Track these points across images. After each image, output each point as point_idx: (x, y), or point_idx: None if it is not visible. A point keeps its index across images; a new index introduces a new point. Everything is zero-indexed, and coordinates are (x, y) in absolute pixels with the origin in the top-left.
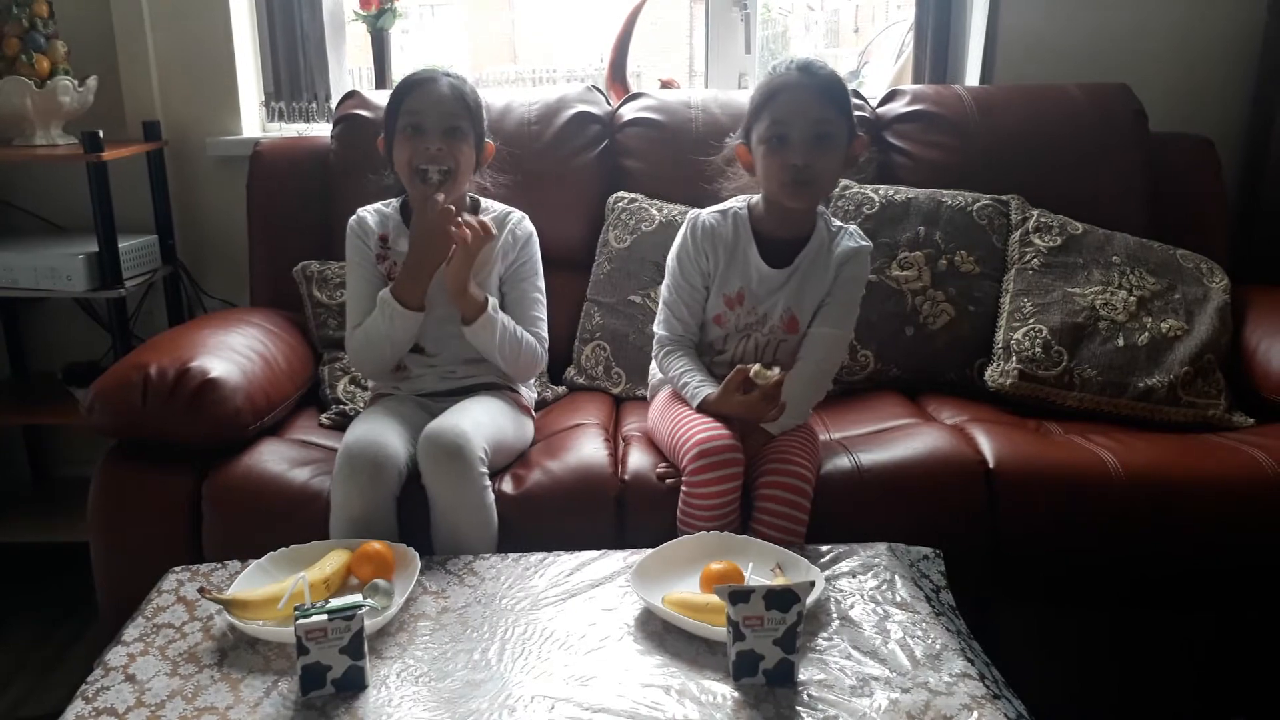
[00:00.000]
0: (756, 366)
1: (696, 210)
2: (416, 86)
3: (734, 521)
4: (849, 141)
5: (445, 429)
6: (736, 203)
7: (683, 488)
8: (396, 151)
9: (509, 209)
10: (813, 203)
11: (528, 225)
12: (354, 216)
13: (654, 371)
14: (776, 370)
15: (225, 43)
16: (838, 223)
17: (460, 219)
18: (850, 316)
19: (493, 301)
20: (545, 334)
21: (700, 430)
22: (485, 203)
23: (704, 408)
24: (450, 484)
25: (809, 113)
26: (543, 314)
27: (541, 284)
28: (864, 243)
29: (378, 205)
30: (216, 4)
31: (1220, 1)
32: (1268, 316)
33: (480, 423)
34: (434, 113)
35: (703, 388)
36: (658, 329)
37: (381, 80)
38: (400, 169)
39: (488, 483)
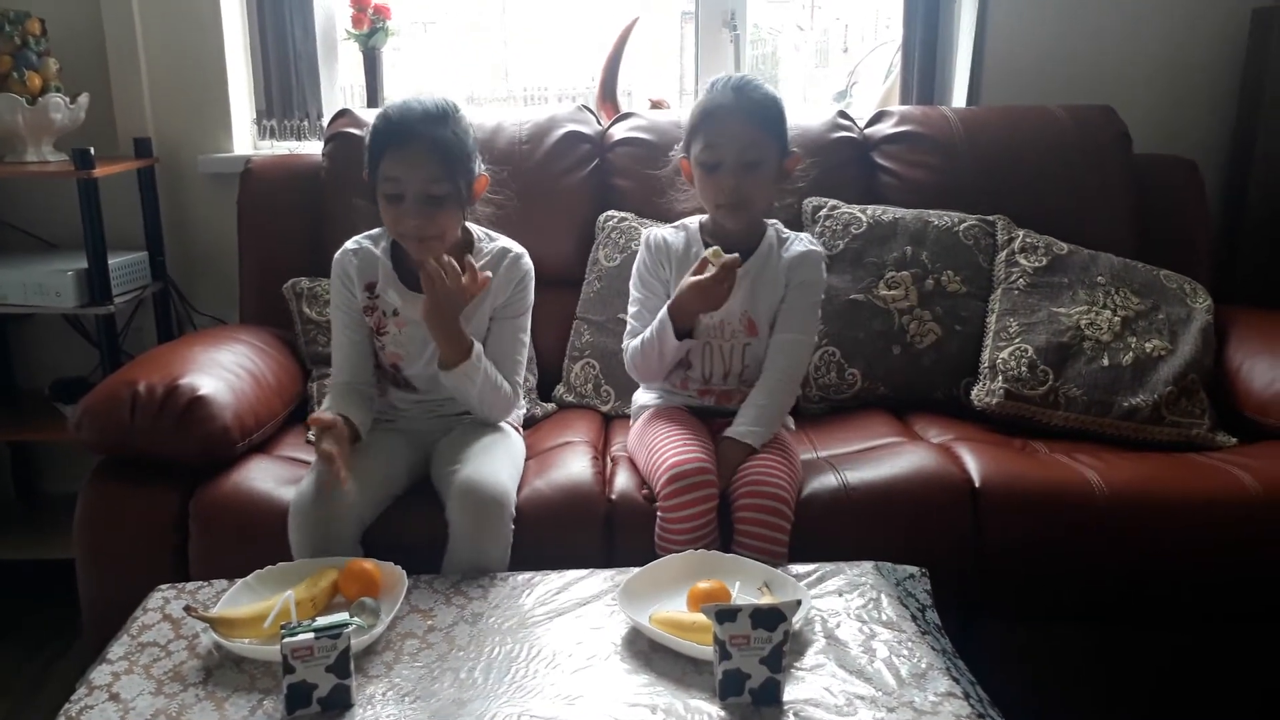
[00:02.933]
0: (714, 248)
1: (652, 228)
2: (396, 147)
3: (712, 543)
4: (782, 159)
5: (485, 482)
6: (691, 219)
7: (658, 512)
8: (381, 208)
9: (507, 246)
10: (748, 221)
11: (525, 264)
12: (340, 252)
13: (636, 397)
14: (735, 256)
15: (217, 60)
16: (788, 231)
17: (464, 265)
18: (811, 321)
19: (477, 348)
20: (521, 379)
21: (673, 455)
22: (480, 237)
23: (673, 313)
24: (482, 531)
25: (739, 138)
26: (524, 358)
27: (528, 324)
28: (813, 247)
29: (365, 240)
30: (209, 22)
31: (1203, 25)
32: (1250, 337)
33: (510, 472)
34: (414, 180)
35: (663, 309)
36: (626, 339)
37: (374, 99)
38: (386, 224)
39: (513, 525)
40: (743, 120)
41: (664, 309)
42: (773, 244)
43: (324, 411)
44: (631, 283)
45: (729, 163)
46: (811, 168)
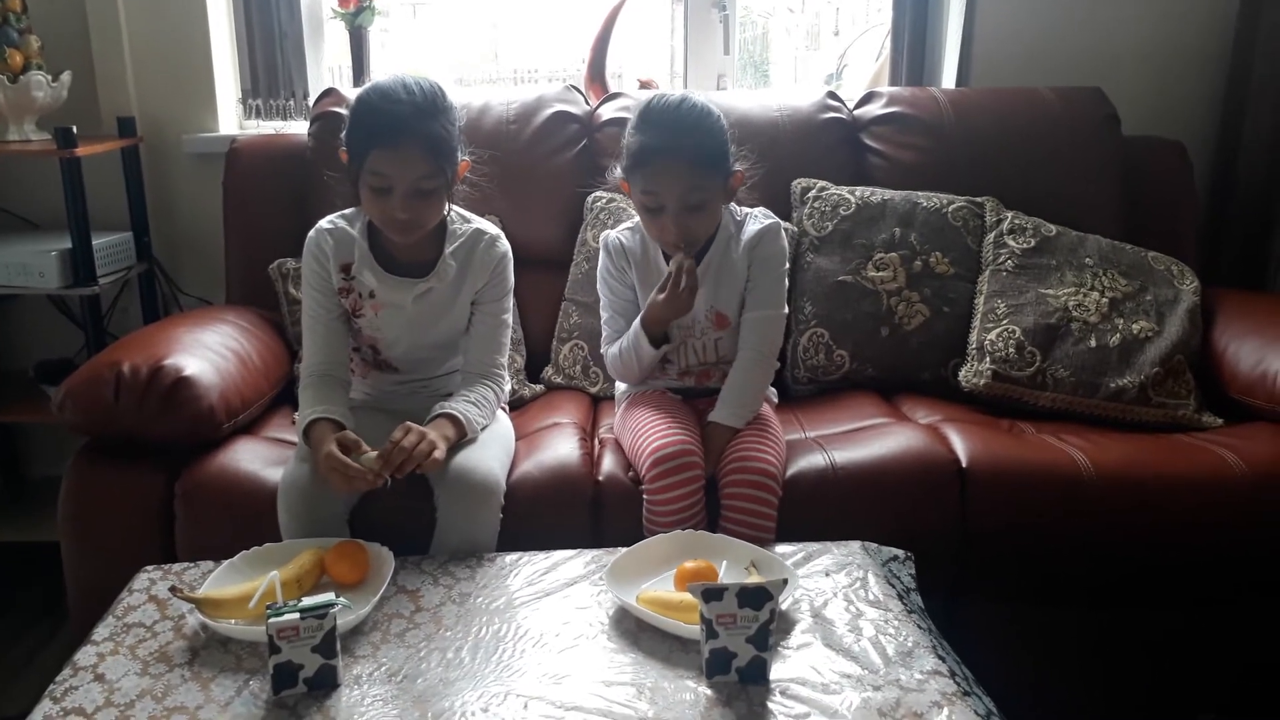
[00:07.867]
0: (676, 258)
1: (607, 231)
2: (386, 144)
3: (699, 525)
4: (725, 183)
5: (475, 470)
6: None
7: (644, 496)
8: (365, 197)
9: (481, 228)
10: (694, 248)
11: (501, 246)
12: (314, 230)
13: (619, 382)
14: (687, 261)
15: (202, 38)
16: (743, 210)
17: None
18: (779, 294)
19: (460, 417)
20: (505, 364)
21: (656, 438)
22: (453, 219)
23: (646, 326)
24: (471, 519)
25: (679, 183)
26: (507, 341)
27: (510, 305)
28: (769, 221)
29: (340, 220)
30: None
31: (1192, 7)
32: (1236, 318)
33: (500, 459)
34: (405, 177)
35: (635, 321)
36: (604, 345)
37: (360, 79)
38: (369, 213)
39: (501, 514)
40: (682, 166)
41: (636, 321)
42: (730, 232)
43: (344, 435)
44: (599, 287)
45: (672, 206)
46: (800, 151)
